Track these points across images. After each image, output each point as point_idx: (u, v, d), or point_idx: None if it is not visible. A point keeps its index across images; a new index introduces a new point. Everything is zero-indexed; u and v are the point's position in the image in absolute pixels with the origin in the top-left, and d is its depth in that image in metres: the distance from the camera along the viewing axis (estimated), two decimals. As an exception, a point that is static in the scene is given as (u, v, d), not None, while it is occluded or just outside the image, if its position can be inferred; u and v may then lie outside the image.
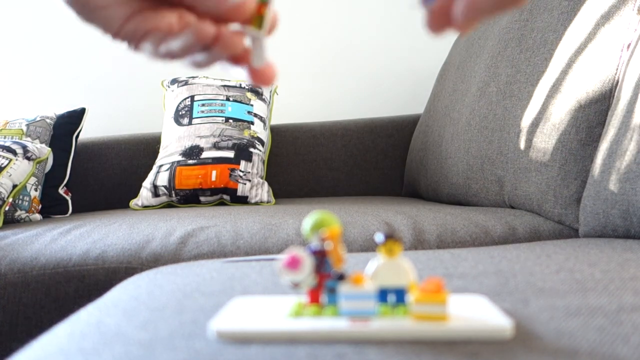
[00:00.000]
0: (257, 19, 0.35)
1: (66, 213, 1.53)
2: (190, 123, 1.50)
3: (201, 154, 1.47)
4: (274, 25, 0.38)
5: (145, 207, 1.46)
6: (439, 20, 0.30)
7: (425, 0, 0.31)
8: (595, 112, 0.88)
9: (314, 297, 0.33)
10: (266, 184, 1.46)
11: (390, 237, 0.32)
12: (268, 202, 1.44)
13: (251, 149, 1.47)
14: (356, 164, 1.75)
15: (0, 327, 0.83)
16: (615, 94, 0.84)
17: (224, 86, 1.56)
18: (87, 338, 0.32)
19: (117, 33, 0.36)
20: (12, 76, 2.03)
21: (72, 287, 0.85)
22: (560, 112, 0.93)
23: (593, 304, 0.35)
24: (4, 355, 0.39)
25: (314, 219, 0.33)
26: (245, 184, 1.43)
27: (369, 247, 0.87)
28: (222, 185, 1.42)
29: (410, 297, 0.31)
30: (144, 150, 1.75)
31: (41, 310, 0.84)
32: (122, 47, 1.89)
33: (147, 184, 1.48)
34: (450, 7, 0.30)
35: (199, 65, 0.37)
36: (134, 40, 0.36)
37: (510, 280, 0.42)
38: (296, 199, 1.67)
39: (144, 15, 0.36)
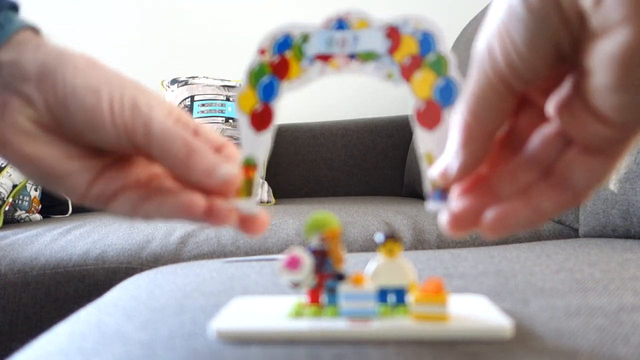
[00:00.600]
0: (245, 183, 0.33)
1: (66, 213, 1.53)
2: (190, 123, 1.50)
3: (201, 154, 1.47)
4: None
5: (145, 207, 1.46)
6: (462, 223, 0.29)
7: (436, 197, 0.30)
8: (595, 112, 0.88)
9: (314, 297, 0.33)
10: (266, 184, 1.46)
11: (390, 237, 0.32)
12: (268, 202, 1.44)
13: (251, 149, 1.47)
14: (356, 164, 1.75)
15: (0, 326, 0.83)
16: (615, 94, 0.83)
17: (224, 86, 1.56)
18: (87, 338, 0.32)
19: (82, 197, 0.32)
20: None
21: (72, 287, 0.85)
22: (560, 112, 0.92)
23: (593, 304, 0.35)
24: (4, 355, 0.39)
25: (314, 219, 0.33)
26: (245, 184, 1.43)
27: (369, 247, 0.87)
28: (222, 185, 1.43)
29: (411, 298, 0.31)
30: (144, 150, 1.75)
31: (41, 310, 0.84)
32: (121, 48, 1.89)
33: (147, 184, 1.48)
34: (475, 211, 0.29)
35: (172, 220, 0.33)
36: (101, 203, 0.33)
37: (510, 280, 0.42)
38: (296, 199, 1.66)
39: (109, 175, 0.32)
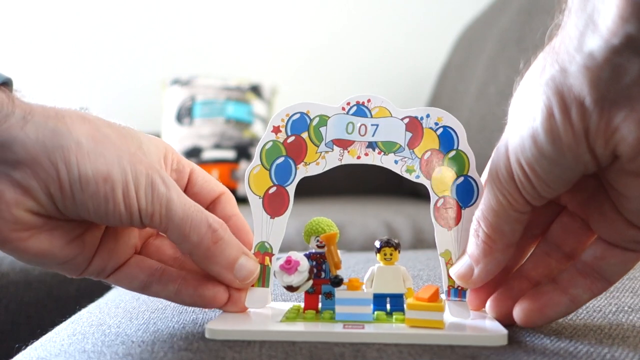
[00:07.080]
0: (260, 271, 0.32)
1: (67, 213, 1.53)
2: (191, 123, 1.50)
3: (202, 154, 1.47)
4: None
5: (146, 206, 1.47)
6: (480, 304, 0.32)
7: (453, 294, 0.31)
8: (594, 113, 0.88)
9: (311, 302, 0.32)
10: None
11: (386, 243, 0.32)
12: (268, 202, 1.44)
13: (252, 149, 1.48)
14: (356, 164, 1.75)
15: (2, 326, 0.83)
16: (615, 94, 0.83)
17: (225, 87, 1.56)
18: (88, 338, 0.32)
19: (81, 274, 0.32)
20: (11, 76, 2.02)
21: (74, 287, 0.85)
22: (560, 113, 0.93)
23: (592, 305, 0.35)
24: (6, 355, 0.39)
25: (312, 224, 0.33)
26: (245, 183, 1.43)
27: (369, 247, 0.87)
28: (222, 185, 1.43)
29: (407, 304, 0.30)
30: (145, 150, 1.75)
31: (43, 310, 0.84)
32: (122, 48, 1.89)
33: (147, 183, 1.48)
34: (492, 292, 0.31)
35: None
36: (102, 278, 0.32)
37: (510, 281, 0.42)
38: (296, 199, 1.66)
39: (107, 247, 0.31)
